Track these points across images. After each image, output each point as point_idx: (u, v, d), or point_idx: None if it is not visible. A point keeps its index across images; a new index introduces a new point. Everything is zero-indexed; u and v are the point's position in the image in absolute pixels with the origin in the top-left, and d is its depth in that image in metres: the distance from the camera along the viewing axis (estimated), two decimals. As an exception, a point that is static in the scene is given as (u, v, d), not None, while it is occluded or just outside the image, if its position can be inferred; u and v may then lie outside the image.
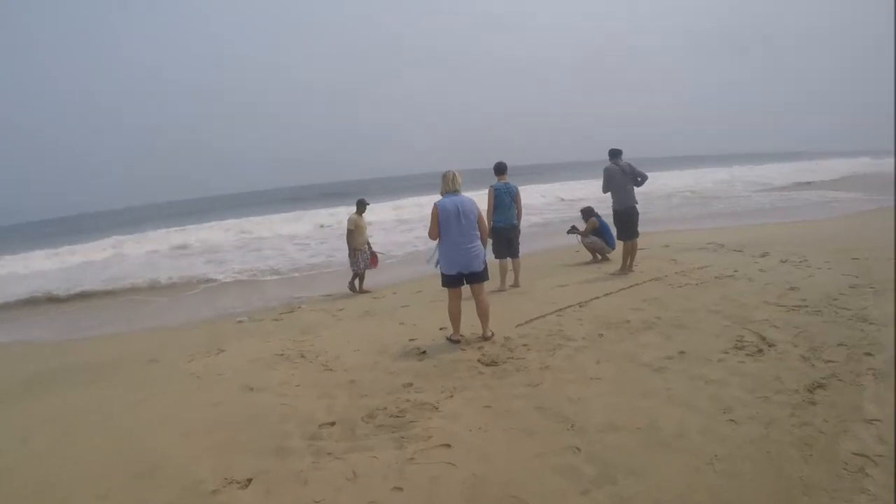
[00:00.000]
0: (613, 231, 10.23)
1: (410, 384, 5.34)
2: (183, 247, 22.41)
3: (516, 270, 9.43)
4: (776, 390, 4.42)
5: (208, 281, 14.58)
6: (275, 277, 14.47)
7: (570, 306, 7.52)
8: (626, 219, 9.57)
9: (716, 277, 8.38)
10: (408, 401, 4.94)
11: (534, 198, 28.77)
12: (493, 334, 6.48)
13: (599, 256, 11.33)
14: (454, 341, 6.45)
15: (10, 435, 5.25)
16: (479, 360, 5.77)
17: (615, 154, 9.58)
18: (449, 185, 6.43)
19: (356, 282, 11.15)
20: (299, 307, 10.14)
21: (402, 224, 23.60)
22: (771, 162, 56.11)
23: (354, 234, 11.08)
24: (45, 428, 5.31)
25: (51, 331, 10.83)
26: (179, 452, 4.42)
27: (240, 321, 9.37)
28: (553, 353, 5.79)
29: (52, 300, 13.94)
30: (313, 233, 23.54)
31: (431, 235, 6.47)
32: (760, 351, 5.28)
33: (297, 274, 14.63)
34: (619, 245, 9.91)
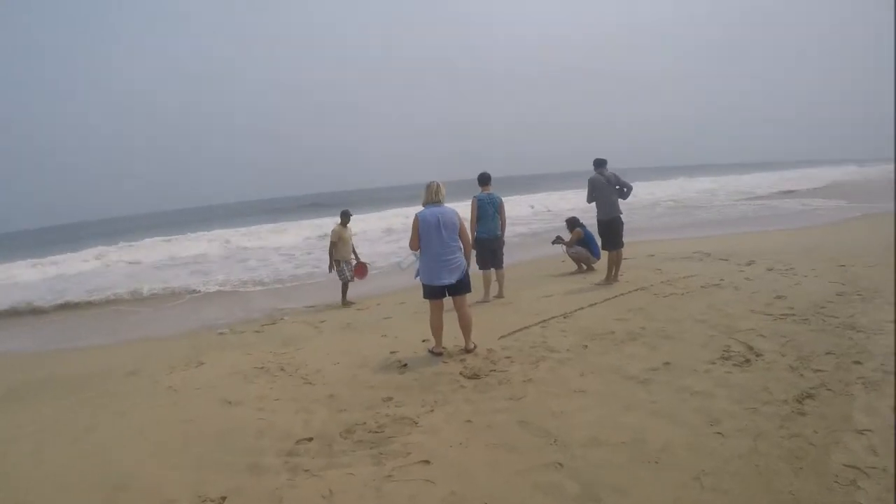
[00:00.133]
0: (598, 241, 10.13)
1: (390, 398, 5.22)
2: (167, 257, 22.26)
3: (500, 281, 9.34)
4: (764, 401, 4.32)
5: (192, 292, 14.45)
6: (258, 288, 14.37)
7: (554, 317, 7.42)
8: (611, 229, 9.53)
9: (701, 287, 8.31)
10: (387, 415, 4.83)
11: (522, 208, 28.85)
12: (475, 346, 6.39)
13: (584, 266, 11.27)
14: (436, 354, 6.34)
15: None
16: (461, 373, 5.66)
17: (600, 164, 9.54)
18: (432, 195, 6.34)
19: (341, 292, 11.05)
20: (282, 319, 10.03)
21: (387, 234, 23.51)
22: (757, 171, 56.50)
23: (338, 245, 11.00)
24: (18, 443, 5.18)
25: (32, 342, 10.67)
26: (152, 469, 4.30)
27: (221, 333, 9.25)
28: (536, 365, 5.68)
29: (34, 311, 13.75)
30: (299, 243, 23.42)
31: (412, 246, 6.41)
32: (748, 361, 5.18)
33: (279, 285, 14.53)
34: (605, 255, 9.83)
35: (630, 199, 9.87)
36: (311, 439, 4.52)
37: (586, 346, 6.16)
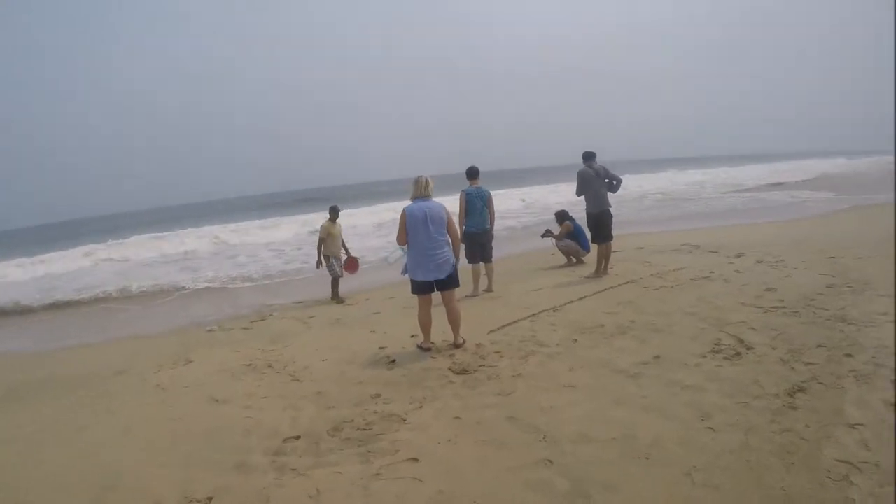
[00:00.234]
0: (588, 234, 10.11)
1: (378, 395, 5.17)
2: (157, 254, 22.13)
3: (489, 275, 9.29)
4: (755, 395, 4.28)
5: (181, 289, 14.35)
6: (248, 284, 14.27)
7: (543, 311, 7.38)
8: (600, 222, 9.50)
9: (691, 279, 8.29)
10: (375, 412, 4.77)
11: (513, 201, 28.87)
12: (464, 341, 6.34)
13: (574, 260, 11.25)
14: (425, 349, 6.28)
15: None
16: (449, 369, 5.61)
17: (589, 157, 9.50)
18: (421, 190, 6.29)
19: (333, 288, 10.97)
20: (270, 315, 9.94)
21: (378, 229, 23.41)
22: (748, 164, 56.53)
23: (327, 241, 10.94)
24: (7, 446, 5.10)
25: (21, 342, 10.52)
26: (140, 469, 4.25)
27: (210, 330, 9.16)
28: (526, 360, 5.63)
29: (23, 311, 13.56)
30: (289, 239, 23.27)
31: (399, 241, 6.36)
32: (738, 354, 5.14)
33: (268, 281, 14.44)
34: (594, 248, 9.79)
35: (620, 191, 9.84)
36: (298, 437, 4.47)
37: (576, 340, 6.11)
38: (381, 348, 6.61)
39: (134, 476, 4.14)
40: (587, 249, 10.91)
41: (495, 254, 9.56)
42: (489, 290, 9.22)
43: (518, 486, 3.46)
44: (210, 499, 3.71)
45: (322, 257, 10.99)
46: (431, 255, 6.12)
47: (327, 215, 11.28)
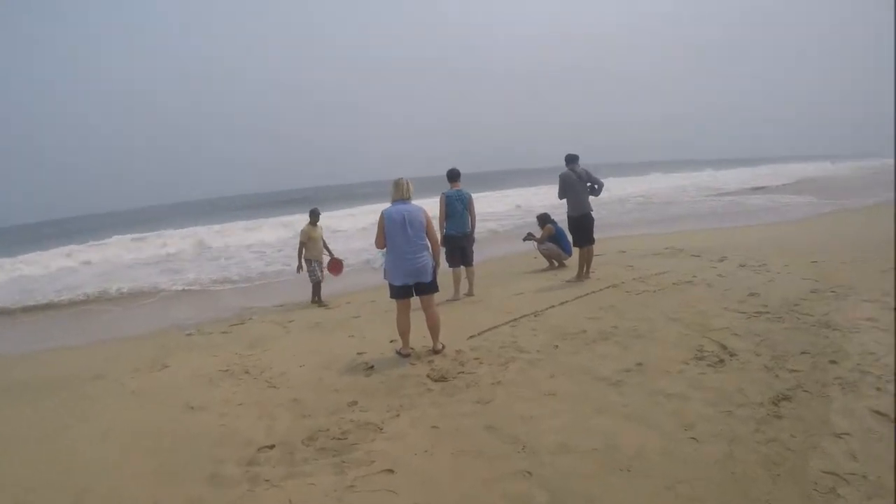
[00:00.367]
0: (570, 237, 10.03)
1: (355, 402, 5.05)
2: (139, 256, 21.86)
3: (470, 279, 9.20)
4: (739, 403, 4.19)
5: (162, 291, 14.19)
6: (229, 287, 14.16)
7: (524, 316, 7.27)
8: (581, 225, 9.44)
9: (674, 284, 8.22)
10: (351, 421, 4.66)
11: (501, 205, 28.89)
12: (443, 347, 6.23)
13: (556, 263, 11.21)
14: (403, 355, 6.18)
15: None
16: (428, 376, 5.50)
17: (572, 160, 9.43)
18: (401, 192, 6.18)
19: (316, 292, 10.87)
20: (250, 318, 9.80)
21: (361, 232, 23.24)
22: (735, 167, 56.83)
23: (308, 245, 10.83)
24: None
25: (-1, 344, 10.29)
26: (110, 480, 4.14)
27: (188, 334, 9.01)
28: (506, 366, 5.52)
29: (1, 312, 13.30)
30: (272, 241, 23.09)
31: (378, 244, 6.25)
32: (721, 361, 5.06)
33: (248, 284, 14.32)
34: (576, 251, 9.72)
35: (602, 194, 9.79)
36: (272, 447, 4.37)
37: (557, 345, 6.01)
38: (359, 354, 6.49)
39: (104, 488, 4.03)
40: (569, 253, 10.85)
41: (476, 257, 9.47)
42: (470, 293, 9.11)
43: (495, 498, 3.36)
44: (182, 512, 3.61)
45: (303, 261, 10.85)
46: (410, 259, 6.01)
47: (307, 218, 11.12)
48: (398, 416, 4.68)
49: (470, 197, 8.98)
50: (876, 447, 3.44)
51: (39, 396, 6.40)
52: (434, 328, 6.23)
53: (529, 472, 3.57)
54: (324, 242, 11.20)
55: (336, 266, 11.33)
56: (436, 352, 6.17)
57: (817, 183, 32.74)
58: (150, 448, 4.58)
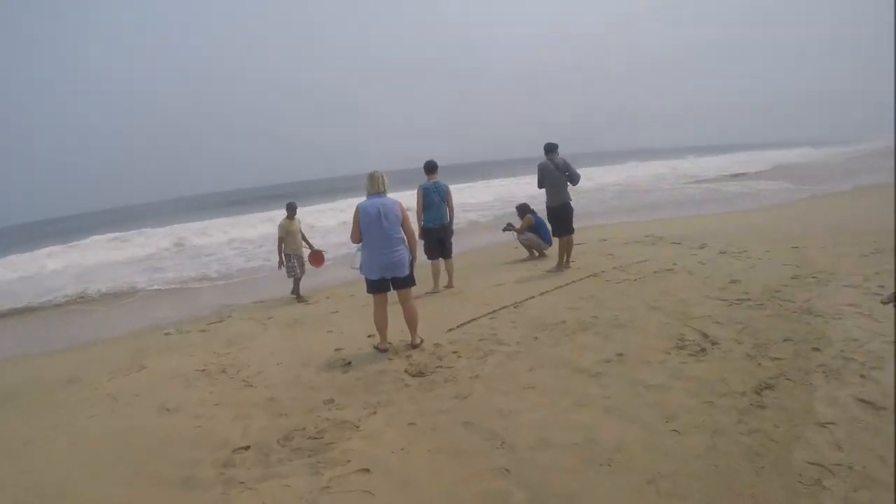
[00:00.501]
0: (550, 227, 9.95)
1: (332, 400, 4.96)
2: (119, 255, 21.43)
3: (449, 271, 9.10)
4: (722, 393, 4.11)
5: (141, 290, 13.97)
6: (208, 284, 13.95)
7: (504, 307, 7.18)
8: (560, 215, 9.40)
9: (654, 272, 8.16)
10: (327, 419, 4.57)
11: (483, 195, 28.85)
12: (422, 341, 6.14)
13: (536, 253, 11.15)
14: (381, 350, 6.07)
15: None
16: (405, 371, 5.41)
17: (551, 149, 9.36)
18: (376, 186, 6.06)
19: (295, 287, 10.75)
20: (229, 316, 9.63)
21: (342, 225, 23.07)
22: (714, 154, 56.90)
23: (287, 239, 10.64)
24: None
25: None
26: (84, 486, 4.06)
27: (167, 333, 8.81)
28: (484, 360, 5.43)
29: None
30: (252, 237, 22.80)
31: (353, 239, 6.14)
32: (703, 350, 4.98)
33: (227, 281, 14.11)
34: (556, 241, 9.66)
35: (581, 184, 9.72)
36: (248, 448, 4.27)
37: (536, 337, 5.92)
38: (337, 350, 6.38)
39: (77, 494, 3.95)
40: (549, 243, 10.81)
41: (456, 248, 9.38)
42: (450, 286, 9.03)
43: (472, 497, 3.28)
44: (154, 516, 3.51)
45: (283, 256, 10.68)
46: (386, 253, 5.91)
47: (284, 213, 10.96)
48: (375, 413, 4.59)
49: (447, 188, 8.88)
50: (861, 436, 3.36)
51: (9, 403, 6.28)
52: (411, 322, 6.13)
53: (507, 469, 3.48)
54: (303, 235, 11.03)
55: (317, 257, 11.18)
56: (414, 346, 6.07)
57: (795, 169, 32.95)
58: (124, 454, 4.47)
